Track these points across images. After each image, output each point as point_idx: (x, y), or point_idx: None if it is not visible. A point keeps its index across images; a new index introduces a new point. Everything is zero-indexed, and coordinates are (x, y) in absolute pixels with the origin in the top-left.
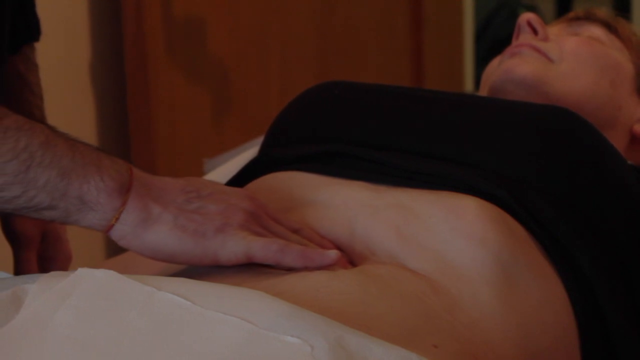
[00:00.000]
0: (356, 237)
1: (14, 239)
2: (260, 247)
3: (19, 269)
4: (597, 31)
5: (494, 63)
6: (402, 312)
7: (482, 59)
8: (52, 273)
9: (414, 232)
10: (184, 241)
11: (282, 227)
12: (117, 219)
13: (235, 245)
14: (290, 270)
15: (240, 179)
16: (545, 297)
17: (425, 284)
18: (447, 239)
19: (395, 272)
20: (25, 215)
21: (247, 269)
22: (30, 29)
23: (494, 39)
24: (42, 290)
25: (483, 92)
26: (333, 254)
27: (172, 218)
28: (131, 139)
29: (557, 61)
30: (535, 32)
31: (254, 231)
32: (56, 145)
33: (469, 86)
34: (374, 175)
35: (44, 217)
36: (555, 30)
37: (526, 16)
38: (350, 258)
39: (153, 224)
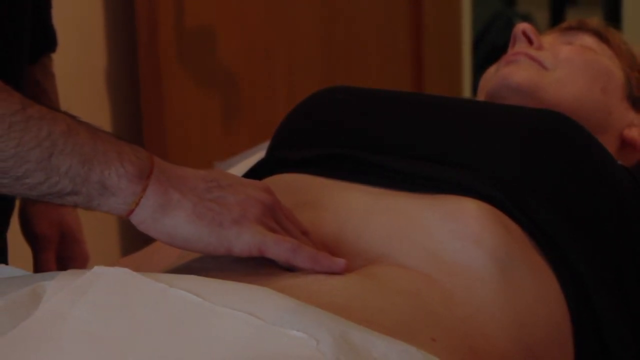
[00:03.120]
0: (344, 238)
1: (33, 240)
2: (274, 243)
3: (39, 270)
4: (589, 40)
5: (491, 70)
6: (401, 307)
7: (480, 67)
8: (69, 271)
9: (408, 233)
10: (201, 229)
11: (292, 225)
12: (137, 203)
13: (251, 238)
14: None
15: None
16: (539, 293)
17: (419, 279)
18: (444, 239)
19: (388, 270)
20: (49, 202)
21: (250, 265)
22: (47, 40)
23: (491, 47)
24: (60, 287)
25: (480, 98)
26: (341, 262)
27: (191, 205)
28: (145, 142)
29: (551, 68)
30: (530, 41)
31: (269, 226)
32: (78, 133)
33: (466, 92)
34: (374, 178)
35: (67, 202)
36: (549, 39)
37: (521, 26)
38: None
39: (172, 210)
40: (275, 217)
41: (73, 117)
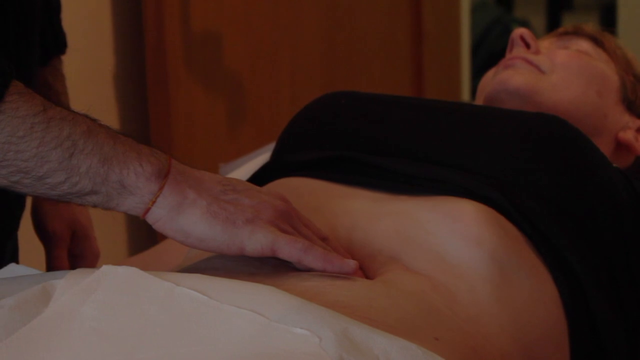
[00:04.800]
0: (355, 243)
1: (45, 237)
2: (286, 243)
3: (51, 266)
4: (585, 45)
5: (489, 74)
6: (405, 307)
7: (478, 71)
8: (78, 270)
9: (413, 234)
10: (214, 227)
11: (309, 231)
12: (153, 202)
13: (263, 237)
14: (306, 270)
15: (252, 183)
16: (536, 292)
17: (425, 282)
18: (446, 240)
19: (396, 274)
20: (70, 202)
21: (256, 266)
22: (58, 43)
23: (489, 52)
24: (69, 286)
25: (479, 101)
26: (352, 263)
27: (206, 204)
28: (151, 144)
29: (548, 72)
30: (527, 45)
31: (282, 228)
32: (98, 134)
33: (465, 96)
34: (376, 181)
35: (87, 202)
36: (546, 43)
37: (519, 31)
38: None
39: (187, 208)
40: (291, 223)
41: (93, 120)
